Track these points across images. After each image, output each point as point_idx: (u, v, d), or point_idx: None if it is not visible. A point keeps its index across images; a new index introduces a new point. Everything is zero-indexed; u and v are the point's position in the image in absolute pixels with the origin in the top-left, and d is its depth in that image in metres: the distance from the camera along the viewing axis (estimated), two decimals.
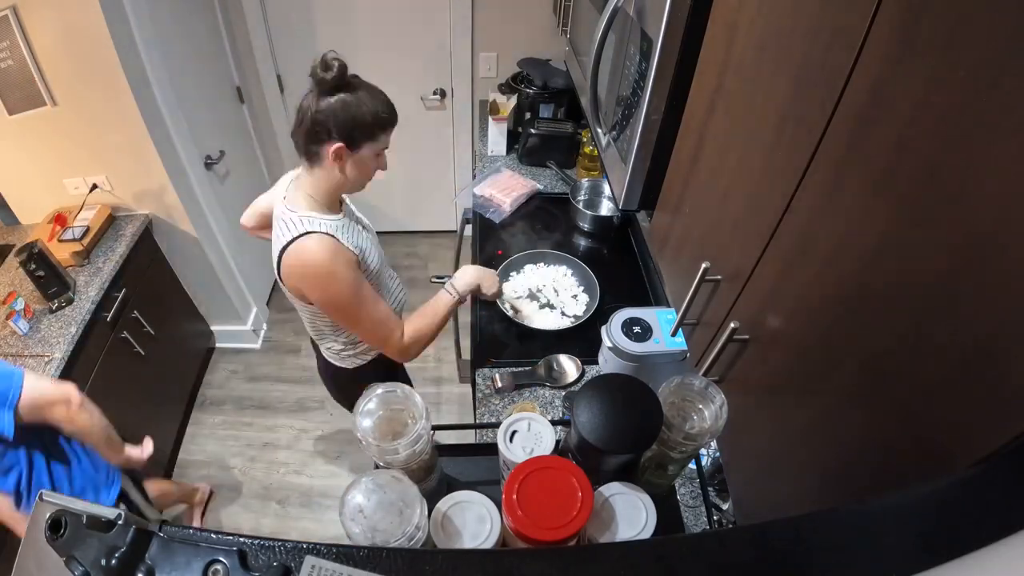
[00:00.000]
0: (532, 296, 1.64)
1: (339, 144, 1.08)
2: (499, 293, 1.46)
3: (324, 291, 1.15)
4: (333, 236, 1.13)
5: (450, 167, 2.99)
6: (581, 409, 0.61)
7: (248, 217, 1.42)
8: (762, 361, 0.61)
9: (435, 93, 2.67)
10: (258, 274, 2.86)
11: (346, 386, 1.49)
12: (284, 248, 1.12)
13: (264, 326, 2.85)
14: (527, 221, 2.02)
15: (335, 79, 1.03)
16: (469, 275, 1.38)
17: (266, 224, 1.35)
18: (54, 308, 1.72)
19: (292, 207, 1.15)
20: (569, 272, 1.73)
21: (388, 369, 1.47)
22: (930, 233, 0.37)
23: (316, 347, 1.46)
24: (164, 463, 2.24)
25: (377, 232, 1.39)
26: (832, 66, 0.45)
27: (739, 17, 0.63)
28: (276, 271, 1.17)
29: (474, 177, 2.48)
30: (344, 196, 1.26)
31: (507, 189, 2.09)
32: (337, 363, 1.42)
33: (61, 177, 1.99)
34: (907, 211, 0.39)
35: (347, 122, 1.07)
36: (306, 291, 1.16)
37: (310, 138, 1.09)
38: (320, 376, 1.57)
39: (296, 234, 1.11)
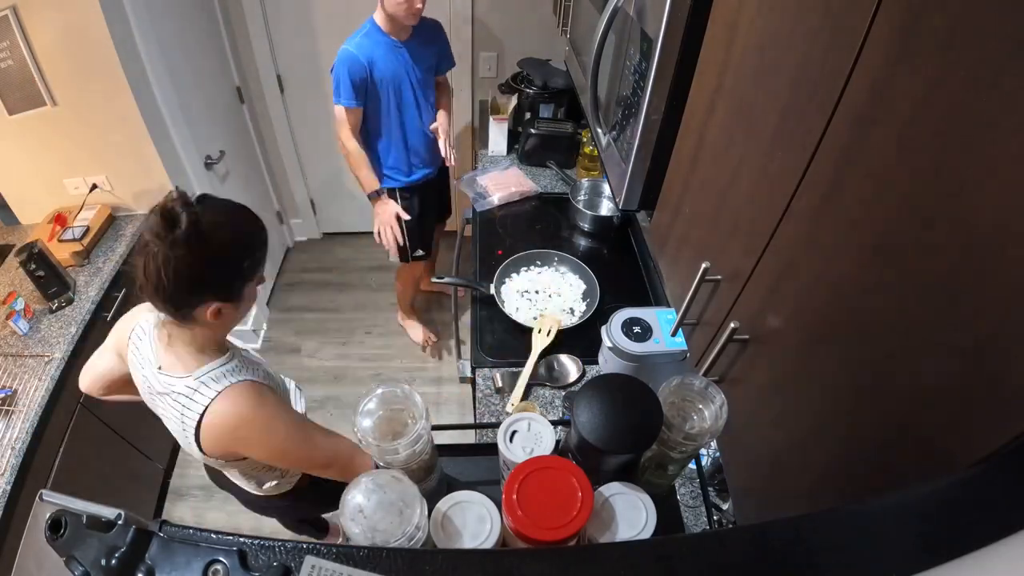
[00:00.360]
0: (529, 297, 1.64)
1: (216, 304, 0.88)
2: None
3: (269, 442, 0.97)
4: (249, 380, 0.94)
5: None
6: (581, 409, 0.61)
7: (91, 386, 1.17)
8: (762, 361, 0.61)
9: None
10: None
11: (291, 511, 1.41)
12: (199, 422, 0.92)
13: (264, 326, 2.85)
14: (527, 221, 2.02)
15: (187, 234, 0.78)
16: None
17: (118, 389, 1.18)
18: (54, 308, 1.72)
19: (180, 374, 0.93)
20: (569, 272, 1.73)
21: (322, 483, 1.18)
22: (930, 233, 0.37)
23: (242, 493, 1.28)
24: (164, 463, 2.24)
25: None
26: (832, 66, 0.45)
27: (739, 17, 0.63)
28: (195, 447, 0.96)
29: (474, 167, 2.50)
30: None
31: (503, 184, 2.09)
32: (275, 494, 1.25)
33: (61, 177, 1.98)
34: (907, 211, 0.39)
35: (224, 278, 0.87)
36: (246, 452, 0.99)
37: (176, 302, 0.86)
38: (258, 511, 1.43)
39: (207, 401, 0.91)
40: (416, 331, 2.68)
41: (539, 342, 1.45)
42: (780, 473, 0.60)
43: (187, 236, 0.78)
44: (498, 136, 2.33)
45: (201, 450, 0.97)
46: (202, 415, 0.92)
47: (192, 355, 0.94)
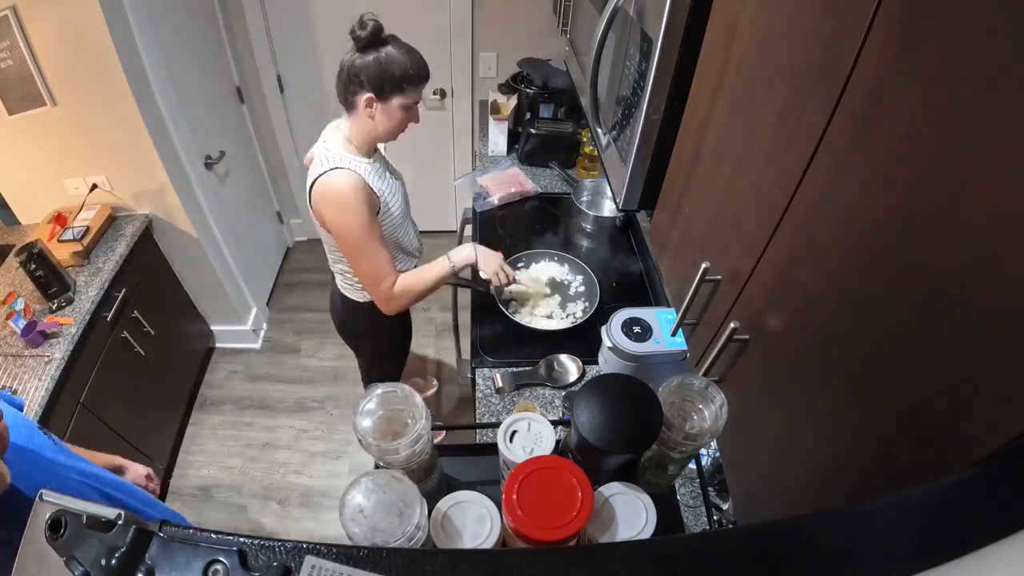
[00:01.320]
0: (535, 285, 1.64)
1: (369, 95, 1.23)
2: (502, 280, 1.48)
3: (337, 219, 1.28)
4: (359, 175, 1.26)
5: (450, 167, 2.99)
6: (581, 409, 0.61)
7: (307, 160, 1.48)
8: (762, 361, 0.61)
9: (435, 93, 2.67)
10: (258, 274, 2.86)
11: (355, 319, 1.59)
12: (316, 179, 1.26)
13: (264, 326, 2.85)
14: (527, 221, 2.02)
15: (367, 36, 1.18)
16: (467, 250, 1.47)
17: None
18: (54, 308, 1.72)
19: (329, 147, 1.29)
20: (569, 272, 1.73)
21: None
22: (930, 233, 0.37)
23: (333, 280, 1.59)
24: (164, 463, 2.24)
25: None
26: (832, 66, 0.45)
27: (739, 17, 0.63)
28: (308, 200, 1.32)
29: (474, 168, 2.49)
30: (380, 145, 1.40)
31: (503, 184, 2.09)
32: (350, 295, 1.53)
33: (61, 177, 1.98)
34: (907, 211, 0.39)
35: (377, 75, 1.21)
36: (325, 216, 1.30)
37: (346, 89, 1.25)
38: (331, 312, 1.68)
39: (328, 168, 1.25)
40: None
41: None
42: (780, 473, 0.60)
43: (368, 35, 1.18)
44: (498, 136, 2.33)
45: (310, 205, 1.32)
46: (319, 176, 1.26)
47: (346, 142, 1.31)
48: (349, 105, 1.27)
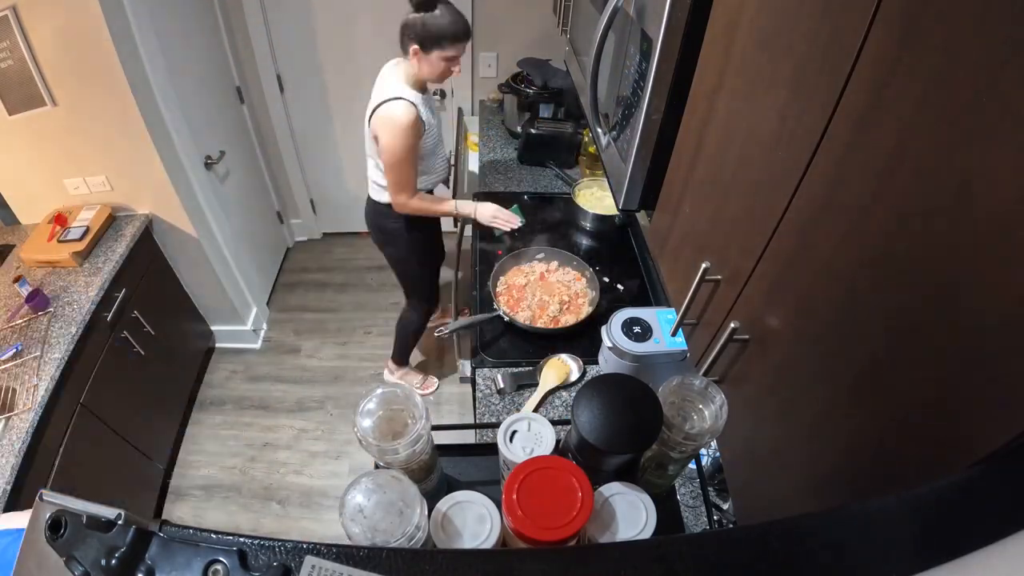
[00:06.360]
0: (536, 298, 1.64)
1: (415, 46, 1.54)
2: (501, 222, 1.82)
3: (389, 141, 1.60)
4: (415, 105, 1.59)
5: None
6: (581, 409, 0.61)
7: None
8: (762, 361, 0.61)
9: (435, 93, 2.67)
10: (258, 274, 2.86)
11: (382, 222, 1.91)
12: (379, 105, 1.59)
13: (264, 326, 2.85)
14: (527, 221, 2.02)
15: (419, 2, 1.49)
16: (470, 204, 1.84)
17: None
18: None
19: (388, 80, 1.64)
20: (568, 271, 1.72)
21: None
22: (930, 232, 0.37)
23: (368, 200, 1.92)
24: (164, 463, 2.24)
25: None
26: (832, 66, 0.45)
27: (739, 17, 0.63)
28: (367, 121, 1.66)
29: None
30: (428, 85, 1.72)
31: None
32: (376, 196, 1.85)
33: (61, 177, 1.98)
34: (907, 211, 0.39)
35: (421, 32, 1.52)
36: (379, 136, 1.61)
37: (401, 39, 1.57)
38: (366, 221, 1.99)
39: (391, 96, 1.58)
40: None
41: (548, 380, 1.40)
42: (780, 473, 0.60)
43: (418, 3, 1.50)
44: (474, 166, 2.31)
45: (369, 124, 1.65)
46: (382, 103, 1.58)
47: (404, 76, 1.64)
48: (404, 51, 1.58)
